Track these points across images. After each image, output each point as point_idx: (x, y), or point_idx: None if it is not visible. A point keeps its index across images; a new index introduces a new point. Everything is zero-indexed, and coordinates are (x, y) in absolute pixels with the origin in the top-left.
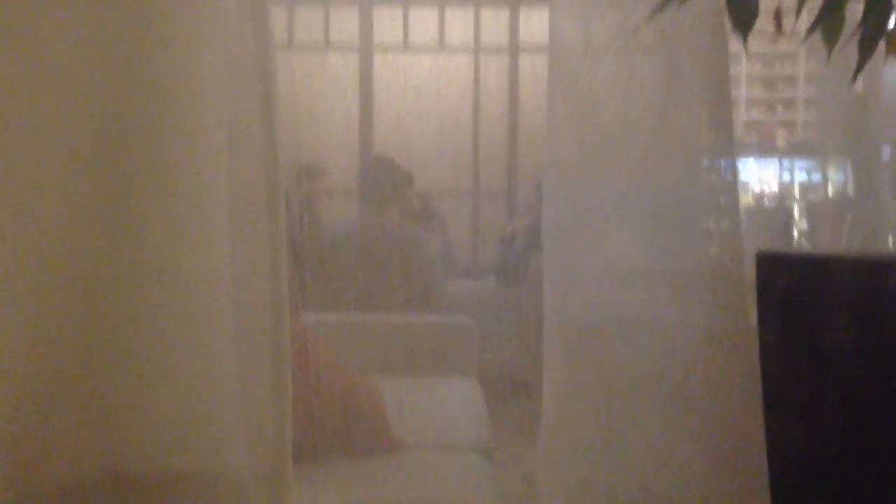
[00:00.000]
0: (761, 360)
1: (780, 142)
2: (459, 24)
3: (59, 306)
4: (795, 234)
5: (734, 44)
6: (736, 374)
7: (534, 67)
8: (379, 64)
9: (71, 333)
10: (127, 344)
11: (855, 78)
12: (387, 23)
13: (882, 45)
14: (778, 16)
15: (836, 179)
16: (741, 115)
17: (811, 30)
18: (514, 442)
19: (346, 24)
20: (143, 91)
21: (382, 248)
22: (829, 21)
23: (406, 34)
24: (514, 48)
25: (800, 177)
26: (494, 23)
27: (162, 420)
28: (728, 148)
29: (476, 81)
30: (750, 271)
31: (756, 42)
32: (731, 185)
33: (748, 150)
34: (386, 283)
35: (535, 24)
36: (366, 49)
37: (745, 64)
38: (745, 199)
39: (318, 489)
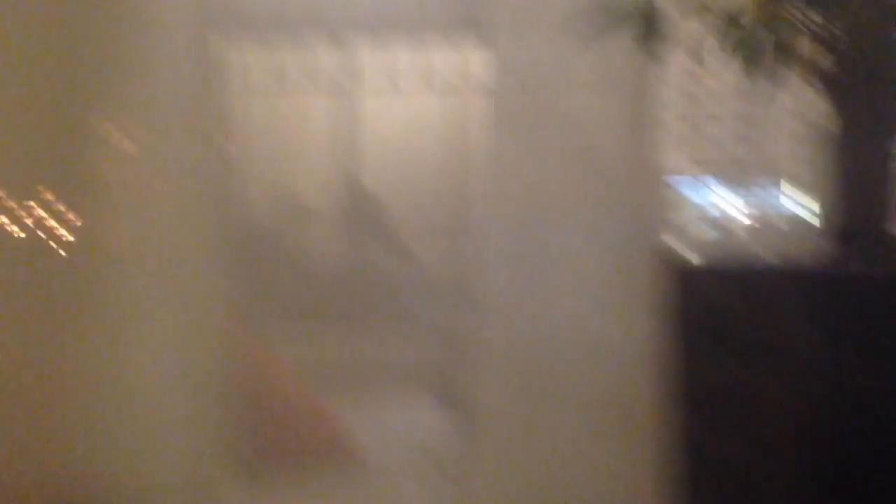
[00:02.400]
0: (679, 370)
1: (730, 162)
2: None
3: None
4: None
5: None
6: (649, 380)
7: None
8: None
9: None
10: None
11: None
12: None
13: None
14: (698, 47)
15: (780, 200)
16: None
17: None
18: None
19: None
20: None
21: (362, 278)
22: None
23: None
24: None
25: (746, 196)
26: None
27: (104, 434)
28: (659, 170)
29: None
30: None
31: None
32: (681, 202)
33: (698, 170)
34: (362, 312)
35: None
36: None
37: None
38: (687, 218)
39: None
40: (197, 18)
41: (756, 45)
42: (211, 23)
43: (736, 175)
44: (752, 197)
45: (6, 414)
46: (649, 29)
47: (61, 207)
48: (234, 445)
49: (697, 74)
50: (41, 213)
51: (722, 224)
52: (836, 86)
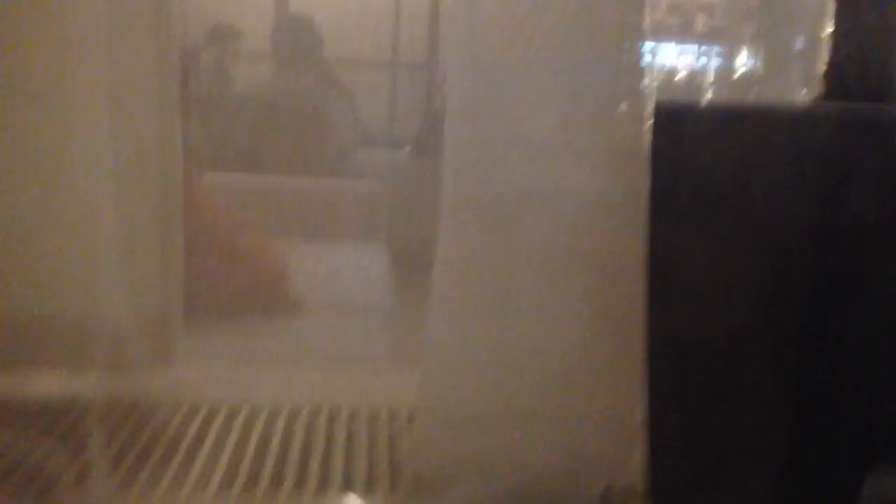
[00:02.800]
0: (650, 219)
1: (699, 26)
2: None
3: None
4: None
5: None
6: (628, 243)
7: None
8: None
9: None
10: (9, 191)
11: None
12: None
13: None
14: None
15: (747, 64)
16: None
17: None
18: (416, 308)
19: None
20: None
21: (295, 111)
22: None
23: None
24: None
25: (714, 61)
26: None
27: (44, 266)
28: (642, 29)
29: None
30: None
31: None
32: (639, 66)
33: (666, 33)
34: (297, 147)
35: None
36: None
37: None
38: (657, 81)
39: (214, 341)
40: None
41: None
42: None
43: (722, 42)
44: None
45: None
46: None
47: None
48: (177, 282)
49: None
50: None
51: (702, 90)
52: None
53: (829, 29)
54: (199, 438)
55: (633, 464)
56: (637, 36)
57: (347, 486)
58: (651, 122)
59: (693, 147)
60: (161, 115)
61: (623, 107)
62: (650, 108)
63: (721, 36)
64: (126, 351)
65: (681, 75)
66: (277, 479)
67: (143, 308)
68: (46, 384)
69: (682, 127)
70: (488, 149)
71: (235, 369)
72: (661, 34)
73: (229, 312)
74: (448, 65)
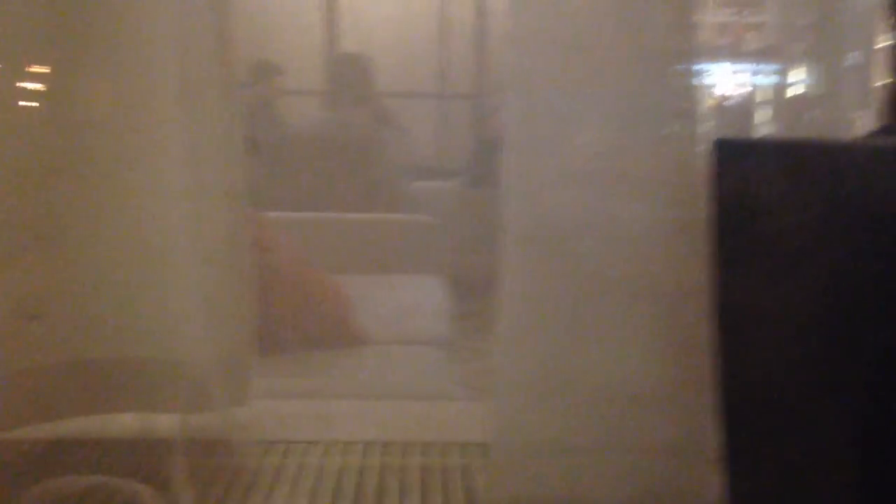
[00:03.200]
0: (716, 250)
1: (749, 44)
2: None
3: (29, 203)
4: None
5: None
6: (691, 267)
7: None
8: None
9: (36, 229)
10: (89, 239)
11: None
12: None
13: None
14: None
15: (803, 81)
16: (710, 16)
17: None
18: (477, 338)
19: None
20: None
21: (348, 146)
22: None
23: None
24: None
25: (768, 79)
26: None
27: (122, 311)
28: (691, 50)
29: None
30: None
31: None
32: (694, 88)
33: (717, 53)
34: (351, 182)
35: None
36: None
37: None
38: (711, 102)
39: (281, 379)
40: None
41: None
42: None
43: (772, 60)
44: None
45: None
46: None
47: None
48: (250, 322)
49: None
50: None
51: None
52: None
53: (886, 42)
54: (278, 475)
55: (708, 496)
56: (687, 58)
57: None
58: (705, 147)
59: (755, 185)
60: (228, 155)
61: (675, 130)
62: (702, 130)
63: (772, 54)
64: (206, 391)
65: (733, 96)
66: None
67: (220, 348)
68: (128, 426)
69: (743, 164)
70: (545, 178)
71: (309, 405)
72: (710, 55)
73: (297, 349)
74: (503, 96)
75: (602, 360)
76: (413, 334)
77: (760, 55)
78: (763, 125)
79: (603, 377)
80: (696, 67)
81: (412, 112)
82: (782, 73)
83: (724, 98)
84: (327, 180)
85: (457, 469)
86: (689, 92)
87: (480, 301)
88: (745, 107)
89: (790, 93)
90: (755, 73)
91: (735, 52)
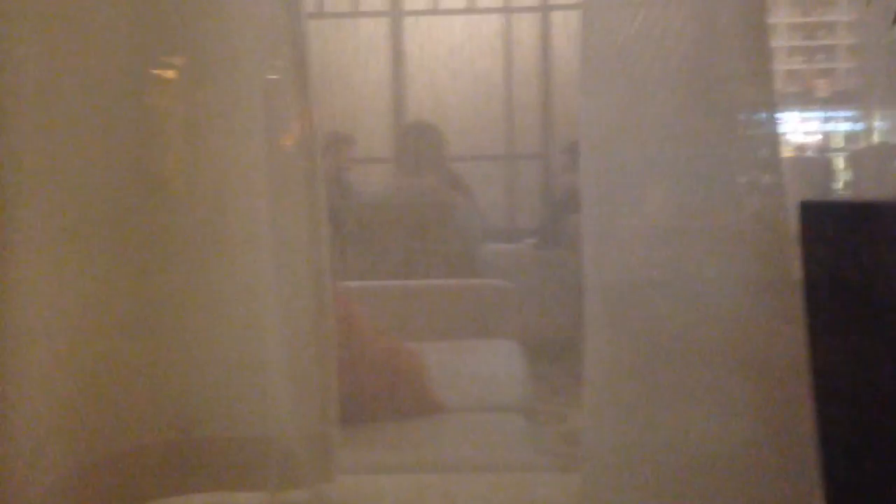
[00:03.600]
0: (808, 314)
1: (821, 91)
2: None
3: (114, 286)
4: (840, 184)
5: None
6: (781, 328)
7: (566, 25)
8: (409, 28)
9: (125, 311)
10: (178, 317)
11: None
12: None
13: None
14: None
15: (879, 128)
16: (781, 64)
17: None
18: (555, 402)
19: None
20: (179, 66)
21: (421, 213)
22: None
23: None
24: (545, 5)
25: (842, 126)
26: None
27: (213, 390)
28: (768, 99)
29: (507, 42)
30: (793, 224)
31: None
32: (772, 138)
33: (788, 101)
34: (425, 249)
35: None
36: (396, 13)
37: (784, 12)
38: (787, 151)
39: (363, 451)
40: None
41: None
42: None
43: (848, 105)
44: (867, 129)
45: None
46: None
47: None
48: (335, 395)
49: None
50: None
51: (833, 157)
52: None
53: None
54: None
55: None
56: (764, 108)
57: None
58: (787, 201)
59: (842, 248)
60: (313, 229)
61: (755, 182)
62: (782, 181)
63: (845, 101)
64: (295, 467)
65: (809, 145)
66: None
67: (307, 423)
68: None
69: (829, 227)
70: (623, 236)
71: (395, 480)
72: (783, 103)
73: (376, 419)
74: (580, 154)
75: (692, 427)
76: (491, 400)
77: (832, 102)
78: (841, 175)
79: (694, 445)
80: (774, 116)
81: (481, 174)
82: (857, 118)
83: (801, 148)
84: (401, 248)
85: None
86: (768, 142)
87: (556, 363)
88: (822, 157)
89: (868, 138)
90: (828, 120)
91: (806, 100)
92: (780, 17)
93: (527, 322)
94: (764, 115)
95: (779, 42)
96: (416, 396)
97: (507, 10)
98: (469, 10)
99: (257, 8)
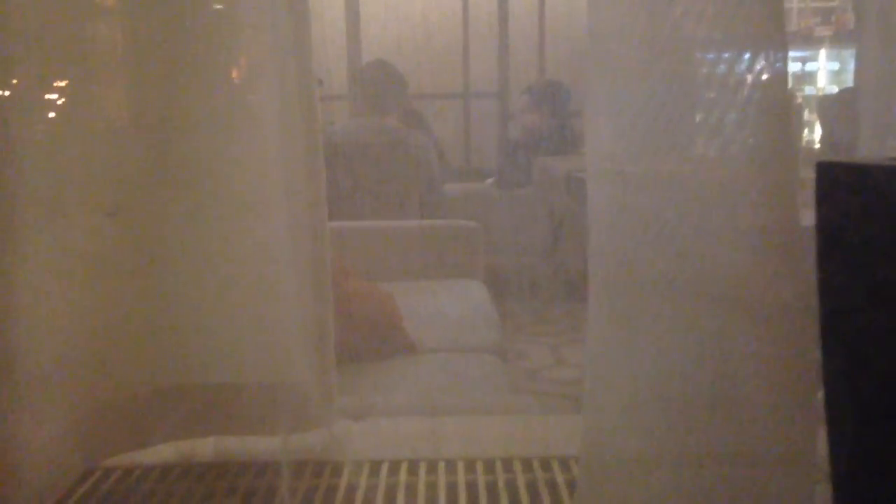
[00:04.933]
0: (820, 279)
1: (818, 32)
2: None
3: (120, 226)
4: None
5: None
6: (788, 280)
7: None
8: None
9: (133, 256)
10: (194, 271)
11: None
12: None
13: None
14: None
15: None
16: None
17: None
18: (518, 339)
19: None
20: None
21: (384, 152)
22: None
23: None
24: None
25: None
26: None
27: (220, 335)
28: (783, 39)
29: None
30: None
31: None
32: (786, 77)
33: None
34: (389, 189)
35: None
36: None
37: None
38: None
39: (347, 396)
40: None
41: None
42: None
43: None
44: None
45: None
46: None
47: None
48: (329, 338)
49: None
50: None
51: None
52: None
53: None
54: (369, 495)
55: None
56: (778, 46)
57: None
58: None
59: (861, 212)
60: (312, 165)
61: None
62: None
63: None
64: (306, 412)
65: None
66: None
67: (313, 368)
68: (231, 447)
69: (848, 190)
70: (630, 230)
71: (379, 421)
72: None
73: (349, 360)
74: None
75: (696, 370)
76: (463, 341)
77: (832, 42)
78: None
79: (697, 386)
80: (787, 56)
81: (434, 112)
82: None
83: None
84: (363, 187)
85: (543, 485)
86: (781, 81)
87: (518, 302)
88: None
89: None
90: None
91: (807, 41)
92: None
93: (490, 262)
94: (778, 54)
95: None
96: (391, 338)
97: None
98: None
99: None
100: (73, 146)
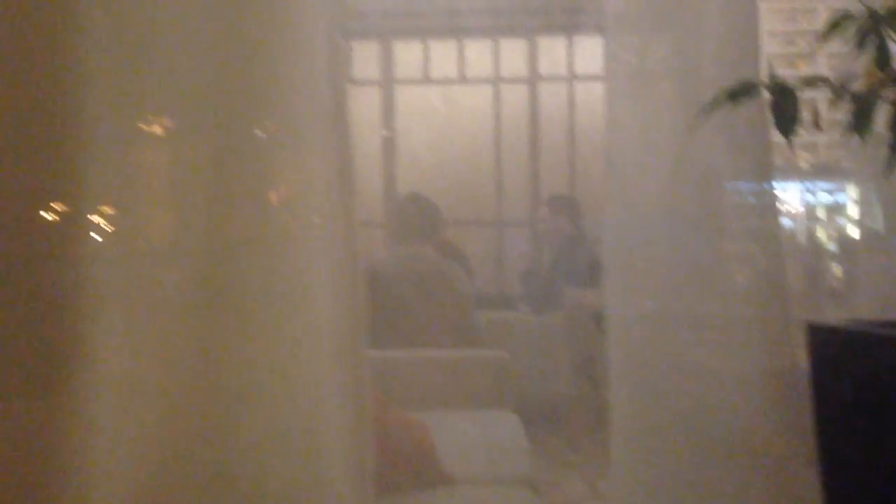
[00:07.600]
0: (817, 431)
1: (804, 162)
2: (477, 55)
3: (179, 372)
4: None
5: None
6: (784, 416)
7: (555, 96)
8: (401, 98)
9: (189, 401)
10: (234, 401)
11: (887, 173)
12: (407, 56)
13: None
14: (815, 114)
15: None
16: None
17: (846, 132)
18: (551, 470)
19: (367, 58)
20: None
21: (419, 283)
22: (860, 120)
23: (426, 67)
24: (532, 78)
25: (822, 199)
26: (512, 54)
27: (281, 470)
28: (769, 170)
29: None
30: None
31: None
32: (772, 208)
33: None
34: (423, 319)
35: (554, 54)
36: (387, 83)
37: None
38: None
39: None
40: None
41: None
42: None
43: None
44: None
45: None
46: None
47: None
48: (369, 469)
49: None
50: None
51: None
52: None
53: None
54: None
55: None
56: (763, 177)
57: None
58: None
59: (849, 370)
60: (353, 293)
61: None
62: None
63: (828, 172)
64: None
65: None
66: None
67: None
68: None
69: (836, 350)
70: (646, 322)
71: None
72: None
73: (386, 492)
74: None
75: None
76: (497, 473)
77: (817, 173)
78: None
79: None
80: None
81: (468, 240)
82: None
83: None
84: (400, 317)
85: None
86: (768, 210)
87: (550, 431)
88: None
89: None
90: (812, 191)
91: (792, 171)
92: None
93: (523, 391)
94: (764, 184)
95: None
96: (425, 469)
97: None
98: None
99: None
100: (119, 266)
